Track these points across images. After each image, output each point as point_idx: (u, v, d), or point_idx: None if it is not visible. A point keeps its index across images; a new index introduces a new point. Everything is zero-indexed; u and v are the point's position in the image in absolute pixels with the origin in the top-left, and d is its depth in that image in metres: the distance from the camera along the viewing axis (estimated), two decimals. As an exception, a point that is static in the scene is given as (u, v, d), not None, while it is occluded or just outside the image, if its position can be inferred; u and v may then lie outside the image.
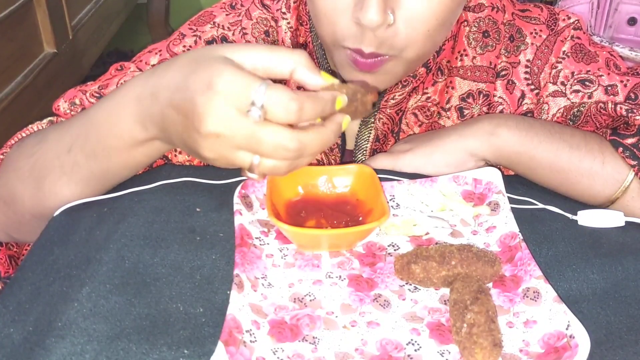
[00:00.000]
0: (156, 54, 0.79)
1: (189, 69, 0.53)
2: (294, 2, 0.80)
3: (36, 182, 0.66)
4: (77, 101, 0.75)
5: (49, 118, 0.75)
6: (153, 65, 0.78)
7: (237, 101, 0.49)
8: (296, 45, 0.80)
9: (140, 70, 0.78)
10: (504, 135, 0.71)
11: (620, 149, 0.70)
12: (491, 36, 0.79)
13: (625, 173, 0.69)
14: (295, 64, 0.53)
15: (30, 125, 0.74)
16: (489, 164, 0.74)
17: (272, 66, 0.52)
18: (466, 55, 0.79)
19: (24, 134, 0.73)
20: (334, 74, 0.80)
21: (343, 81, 0.64)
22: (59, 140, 0.65)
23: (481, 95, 0.80)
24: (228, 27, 0.80)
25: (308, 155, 0.53)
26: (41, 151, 0.66)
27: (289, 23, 0.79)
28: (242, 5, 0.82)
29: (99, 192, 0.67)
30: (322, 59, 0.80)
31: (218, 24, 0.80)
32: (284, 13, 0.79)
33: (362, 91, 0.56)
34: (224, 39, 0.80)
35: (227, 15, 0.81)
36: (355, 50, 0.66)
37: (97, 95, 0.75)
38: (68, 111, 0.75)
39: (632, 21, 1.61)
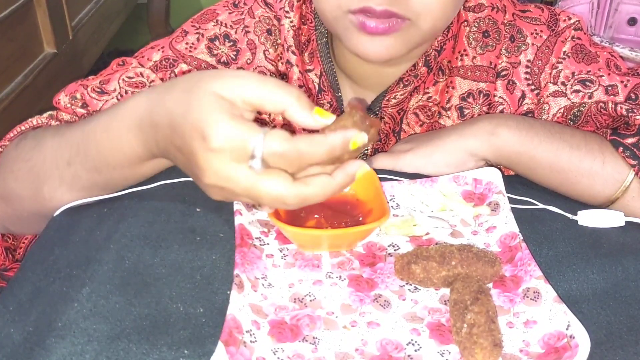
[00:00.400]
0: (158, 50, 0.79)
1: (182, 106, 0.51)
2: (297, 1, 0.80)
3: (34, 186, 0.66)
4: (78, 95, 0.75)
5: (49, 112, 0.75)
6: (155, 62, 0.78)
7: (235, 156, 0.49)
8: (298, 44, 0.80)
9: (142, 66, 0.78)
10: (504, 135, 0.71)
11: (621, 149, 0.70)
12: (491, 36, 0.79)
13: (625, 173, 0.69)
14: (287, 103, 0.50)
15: (29, 119, 0.74)
16: (489, 163, 0.74)
17: (264, 103, 0.51)
18: (466, 55, 0.79)
19: (23, 128, 0.73)
20: (337, 87, 0.81)
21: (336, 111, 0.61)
22: (56, 151, 0.64)
23: (481, 95, 0.80)
24: (230, 25, 0.81)
25: (311, 202, 0.52)
26: (38, 157, 0.66)
27: (292, 22, 0.79)
28: (244, 4, 0.82)
29: (101, 195, 0.66)
30: (325, 57, 0.80)
31: (221, 22, 0.81)
32: (287, 12, 0.80)
33: (364, 124, 0.52)
34: (227, 37, 0.80)
35: (230, 13, 0.81)
36: (363, 9, 0.65)
37: (98, 90, 0.75)
38: (69, 105, 0.74)
39: (632, 21, 1.60)
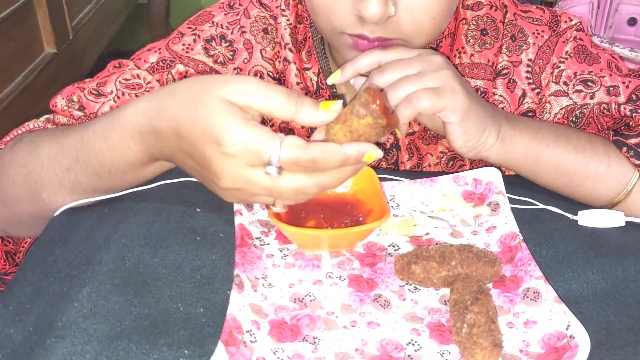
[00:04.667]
0: (155, 52, 0.79)
1: (189, 113, 0.52)
2: (293, 0, 0.80)
3: (33, 191, 0.66)
4: (75, 98, 0.75)
5: (46, 116, 0.75)
6: (152, 64, 0.78)
7: (251, 161, 0.50)
8: (295, 42, 0.80)
9: (139, 67, 0.78)
10: (512, 139, 0.70)
11: (625, 149, 0.70)
12: (489, 34, 0.79)
13: (629, 175, 0.69)
14: (294, 110, 0.51)
15: (26, 123, 0.74)
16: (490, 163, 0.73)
17: (273, 111, 0.51)
18: (464, 52, 0.79)
19: (20, 132, 0.73)
20: (334, 84, 0.81)
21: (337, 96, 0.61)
22: (54, 158, 0.64)
23: (479, 93, 0.80)
24: (227, 26, 0.81)
25: (329, 188, 0.53)
26: (34, 164, 0.65)
27: (288, 20, 0.80)
28: (240, 5, 0.82)
29: (101, 196, 0.66)
30: (321, 54, 0.80)
31: (217, 23, 0.81)
32: (283, 10, 0.80)
33: (382, 127, 0.52)
34: (223, 38, 0.80)
35: (225, 14, 0.81)
36: (357, 35, 0.66)
37: (94, 92, 0.75)
38: (65, 108, 0.74)
39: (632, 21, 1.61)
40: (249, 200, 0.54)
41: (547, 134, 0.71)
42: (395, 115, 0.61)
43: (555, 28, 0.80)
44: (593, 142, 0.71)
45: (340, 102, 0.51)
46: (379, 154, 0.52)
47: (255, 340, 0.51)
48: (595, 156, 0.70)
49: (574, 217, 0.69)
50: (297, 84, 0.81)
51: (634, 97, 0.76)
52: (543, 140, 0.70)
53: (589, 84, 0.78)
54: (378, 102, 0.50)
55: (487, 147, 0.69)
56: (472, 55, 0.79)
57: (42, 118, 0.75)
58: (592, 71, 0.78)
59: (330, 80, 0.67)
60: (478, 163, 0.81)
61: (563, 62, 0.79)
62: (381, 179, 0.68)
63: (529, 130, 0.71)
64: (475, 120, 0.66)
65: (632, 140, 0.70)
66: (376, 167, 0.80)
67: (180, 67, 0.79)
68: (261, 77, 0.81)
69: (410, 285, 0.59)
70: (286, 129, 0.82)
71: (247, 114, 0.51)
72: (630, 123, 0.74)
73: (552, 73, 0.79)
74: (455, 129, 0.65)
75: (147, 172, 0.64)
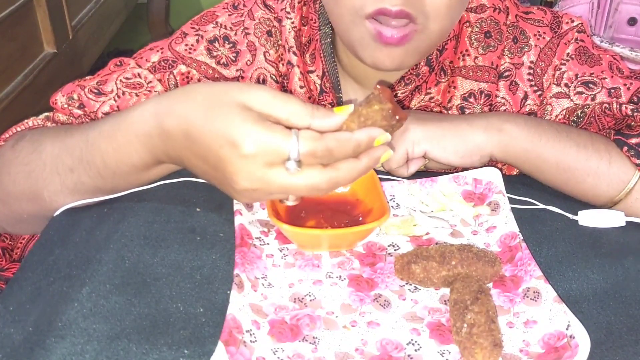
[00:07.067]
0: (157, 51, 0.79)
1: (201, 115, 0.52)
2: (298, 2, 0.80)
3: (34, 190, 0.66)
4: (75, 96, 0.75)
5: (45, 114, 0.75)
6: (153, 63, 0.78)
7: (269, 159, 0.50)
8: (299, 45, 0.80)
9: (140, 66, 0.78)
10: (512, 132, 0.71)
11: (625, 148, 0.70)
12: (493, 37, 0.79)
13: (630, 174, 0.69)
14: (310, 116, 0.52)
15: (25, 120, 0.73)
16: (492, 161, 0.73)
17: (291, 118, 0.52)
18: (468, 55, 0.79)
19: (19, 129, 0.73)
20: (338, 88, 0.81)
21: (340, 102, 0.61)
22: (57, 157, 0.64)
23: (483, 95, 0.80)
24: (230, 27, 0.80)
25: (341, 185, 0.54)
26: (37, 163, 0.65)
27: (293, 23, 0.79)
28: (244, 6, 0.82)
29: (102, 197, 0.66)
30: (329, 58, 0.79)
31: (220, 24, 0.81)
32: (288, 13, 0.80)
33: (393, 118, 0.54)
34: (226, 39, 0.80)
35: (229, 15, 0.81)
36: (379, 11, 0.65)
37: (95, 91, 0.75)
38: (66, 106, 0.74)
39: (632, 21, 1.61)
40: (263, 200, 0.55)
41: (548, 129, 0.71)
42: (405, 112, 0.62)
43: (556, 29, 0.80)
44: (594, 140, 0.71)
45: (351, 105, 0.54)
46: (387, 137, 0.54)
47: (255, 340, 0.51)
48: (596, 153, 0.70)
49: (574, 217, 0.69)
50: (301, 87, 0.81)
51: (635, 99, 0.76)
52: (544, 135, 0.70)
53: (590, 85, 0.78)
54: (390, 104, 0.54)
55: (482, 142, 0.70)
56: (475, 57, 0.79)
57: (42, 116, 0.75)
58: (593, 73, 0.78)
59: None
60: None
61: (564, 64, 0.79)
62: (381, 179, 0.68)
63: (528, 124, 0.71)
64: (441, 134, 0.70)
65: (633, 140, 0.70)
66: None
67: (183, 68, 0.79)
68: (264, 79, 0.81)
69: (410, 285, 0.59)
70: None
71: (263, 117, 0.51)
72: (632, 123, 0.74)
73: (553, 75, 0.79)
74: (437, 154, 0.70)
75: (151, 175, 0.64)
